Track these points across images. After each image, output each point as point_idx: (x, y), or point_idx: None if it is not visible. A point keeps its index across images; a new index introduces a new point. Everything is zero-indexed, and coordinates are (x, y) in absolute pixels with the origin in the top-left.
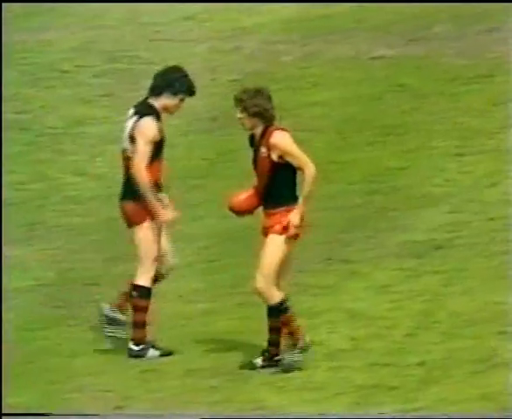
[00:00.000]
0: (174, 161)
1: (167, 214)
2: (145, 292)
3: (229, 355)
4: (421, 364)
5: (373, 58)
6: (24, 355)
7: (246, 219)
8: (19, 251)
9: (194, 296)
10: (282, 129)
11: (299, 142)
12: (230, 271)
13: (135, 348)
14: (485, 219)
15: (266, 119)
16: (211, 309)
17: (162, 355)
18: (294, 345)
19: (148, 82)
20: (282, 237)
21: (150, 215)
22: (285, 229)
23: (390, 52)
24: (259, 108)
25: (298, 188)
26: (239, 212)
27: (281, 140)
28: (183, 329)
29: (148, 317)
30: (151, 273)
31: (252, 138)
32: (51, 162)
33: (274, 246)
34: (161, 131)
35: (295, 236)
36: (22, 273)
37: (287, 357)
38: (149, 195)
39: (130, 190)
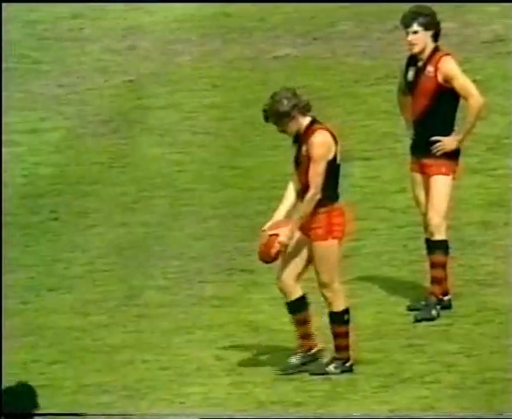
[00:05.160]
0: (64, 166)
1: None
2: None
3: (123, 371)
4: (327, 379)
5: (275, 58)
6: None
7: (142, 227)
8: None
9: (87, 308)
10: (326, 129)
11: (196, 146)
12: (124, 281)
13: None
14: (393, 226)
15: (301, 110)
16: (104, 322)
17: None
18: (335, 358)
19: (37, 82)
20: (329, 242)
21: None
22: (328, 233)
23: (293, 52)
24: (286, 108)
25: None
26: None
27: (315, 140)
28: (76, 343)
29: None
30: None
31: (296, 136)
32: None
33: (325, 254)
34: None
35: (340, 238)
36: None
37: (322, 363)
38: None
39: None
